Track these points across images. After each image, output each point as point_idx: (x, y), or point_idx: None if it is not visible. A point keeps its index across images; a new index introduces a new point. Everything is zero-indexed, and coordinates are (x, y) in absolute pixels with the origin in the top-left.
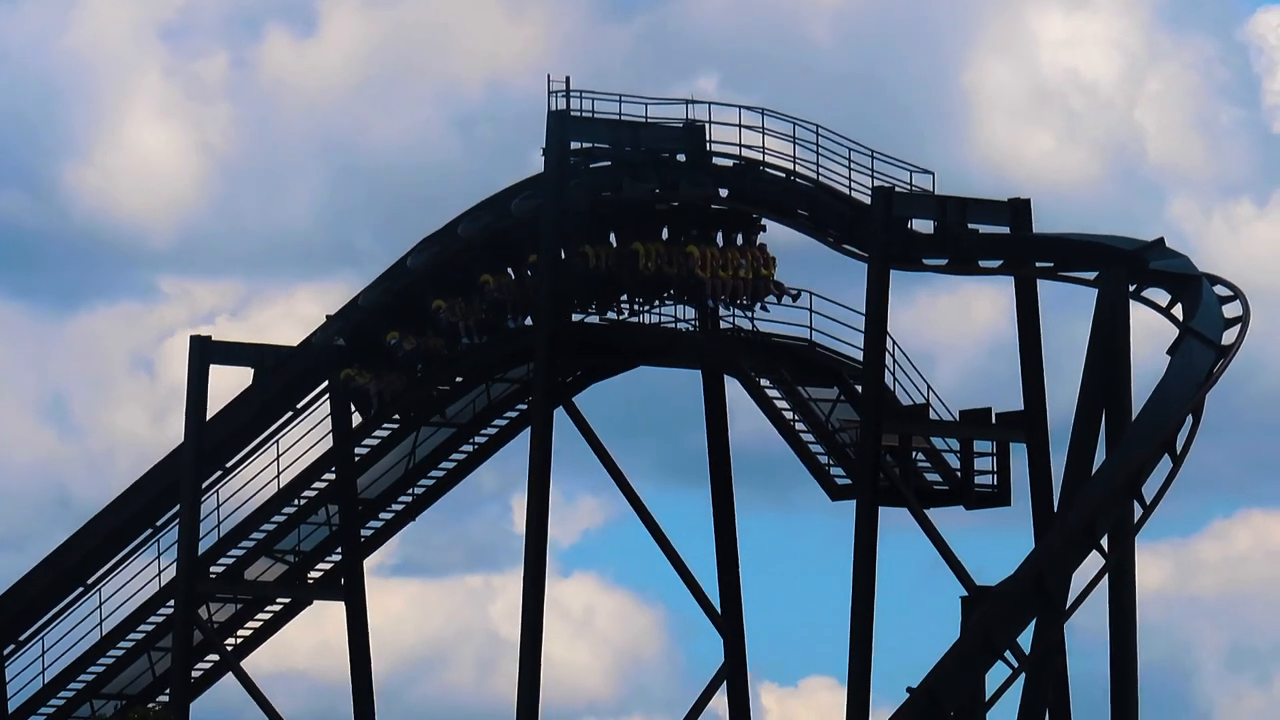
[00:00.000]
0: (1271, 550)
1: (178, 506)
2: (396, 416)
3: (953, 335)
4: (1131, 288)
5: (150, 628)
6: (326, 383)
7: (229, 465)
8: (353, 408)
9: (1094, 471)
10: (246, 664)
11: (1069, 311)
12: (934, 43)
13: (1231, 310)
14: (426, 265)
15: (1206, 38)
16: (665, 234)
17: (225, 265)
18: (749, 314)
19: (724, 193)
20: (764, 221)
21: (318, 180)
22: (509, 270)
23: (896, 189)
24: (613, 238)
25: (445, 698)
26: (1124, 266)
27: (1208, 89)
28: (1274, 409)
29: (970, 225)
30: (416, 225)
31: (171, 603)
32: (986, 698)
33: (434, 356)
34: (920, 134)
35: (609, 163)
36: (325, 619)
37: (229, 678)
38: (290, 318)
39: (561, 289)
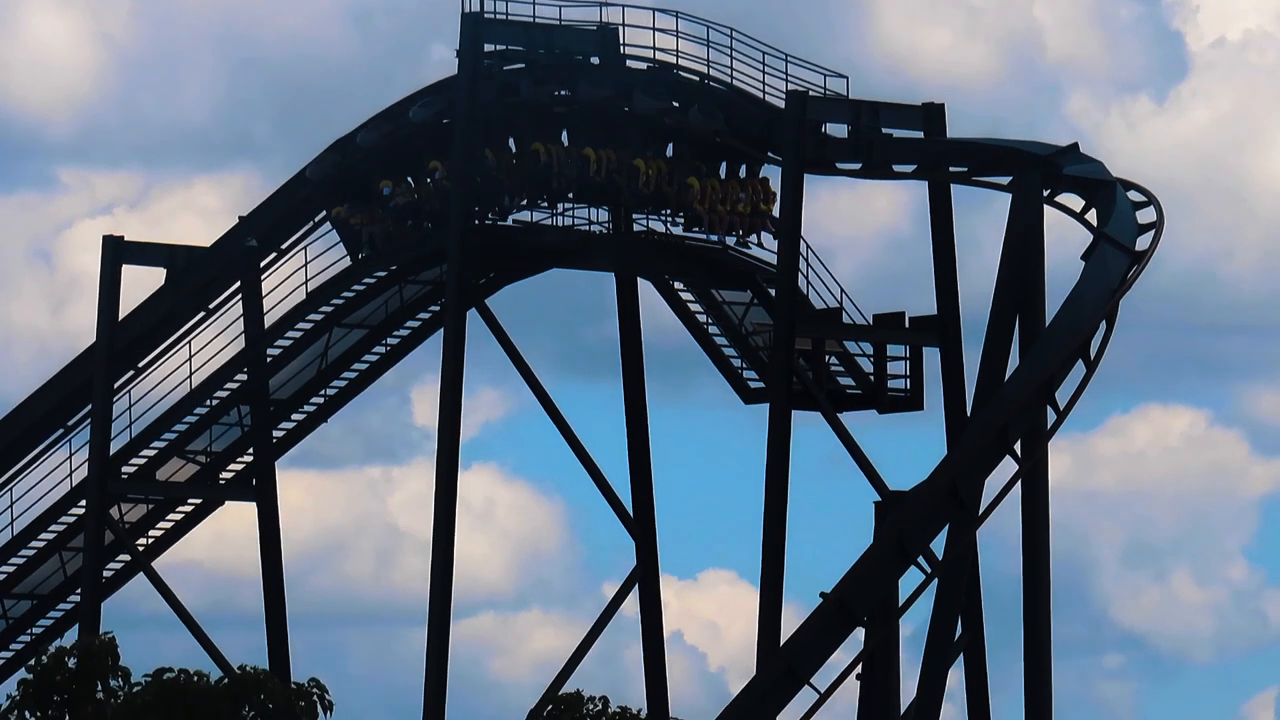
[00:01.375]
0: (1169, 446)
1: (89, 406)
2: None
3: (864, 236)
4: (1045, 192)
5: (61, 528)
6: (239, 283)
7: (141, 365)
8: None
9: (1008, 376)
10: (156, 562)
11: (982, 215)
12: None
13: (1145, 216)
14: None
15: None
16: (669, 153)
17: (124, 156)
18: (744, 248)
19: (637, 95)
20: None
21: (216, 72)
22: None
23: (810, 93)
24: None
25: (346, 589)
26: (1038, 171)
27: None
28: (1172, 305)
29: (884, 129)
30: (315, 118)
31: (83, 503)
32: (899, 603)
33: (426, 211)
34: (819, 31)
35: (522, 65)
36: (230, 514)
37: (140, 577)
38: (190, 209)
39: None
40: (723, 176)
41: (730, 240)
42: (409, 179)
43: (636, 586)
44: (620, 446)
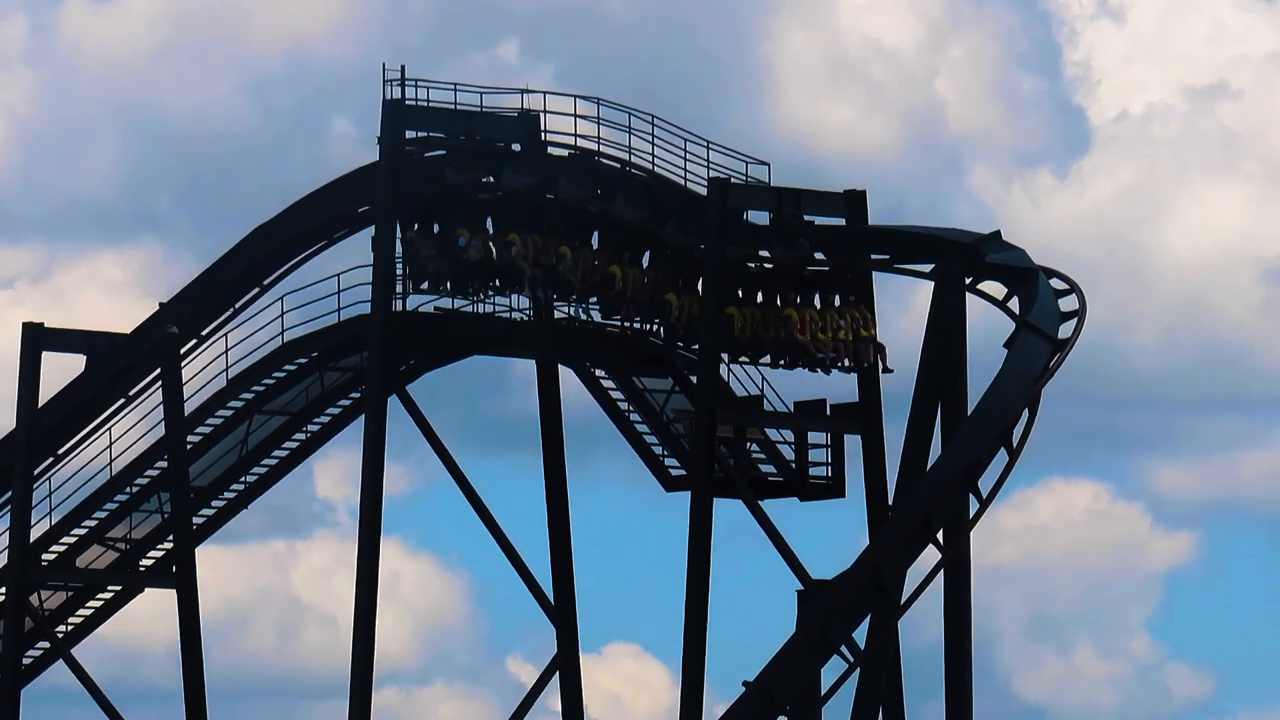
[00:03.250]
0: (1072, 520)
1: (9, 493)
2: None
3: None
4: (968, 280)
5: None
6: (159, 370)
7: (60, 452)
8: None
9: (930, 464)
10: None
11: (904, 302)
12: (733, 12)
13: (1068, 304)
14: None
15: (1007, 6)
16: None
17: (26, 230)
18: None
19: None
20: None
21: (118, 146)
22: None
23: (732, 180)
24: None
25: (247, 663)
26: (961, 259)
27: (1009, 58)
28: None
29: (806, 216)
30: (217, 192)
31: (2, 590)
32: (822, 692)
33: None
34: (722, 106)
35: (443, 151)
36: (150, 598)
37: (59, 664)
38: (93, 282)
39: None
40: (818, 305)
41: (837, 368)
42: (489, 241)
43: (558, 672)
44: (537, 529)
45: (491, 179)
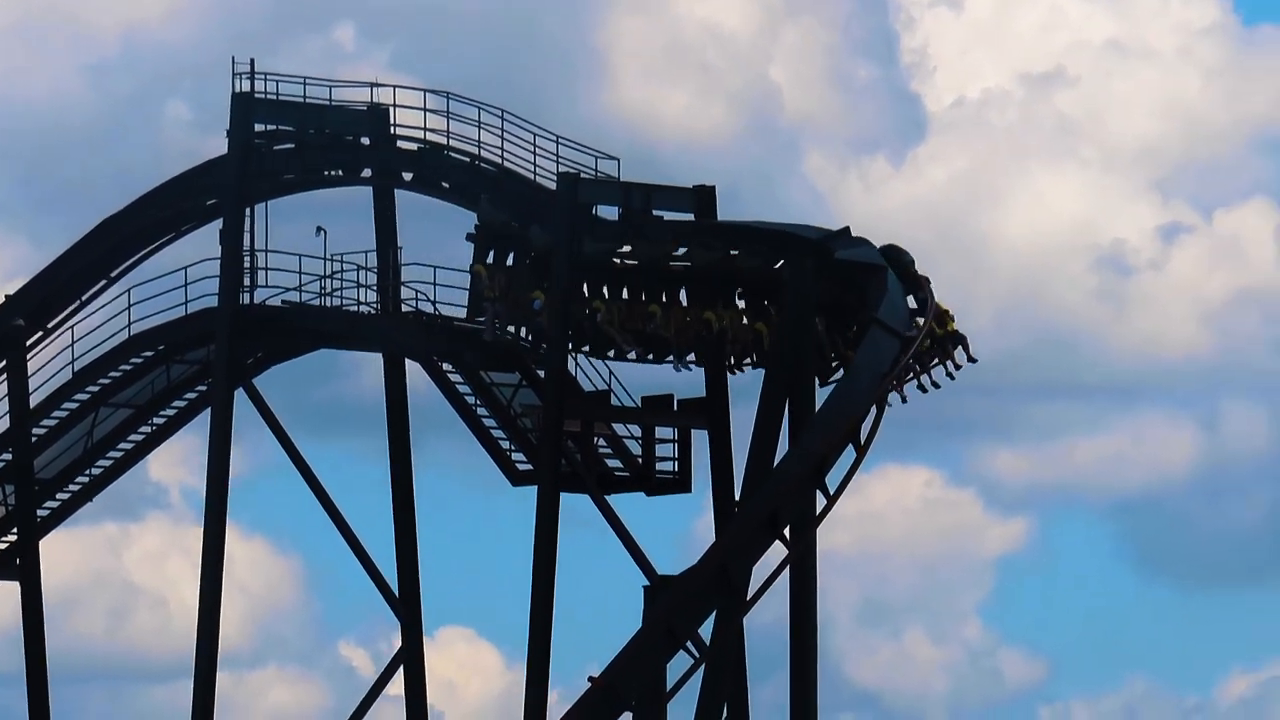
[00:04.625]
0: (906, 506)
1: None
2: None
3: None
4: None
5: None
6: (4, 362)
7: None
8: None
9: (777, 460)
10: None
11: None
12: None
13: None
14: None
15: None
16: None
17: None
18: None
19: (408, 176)
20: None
21: None
22: None
23: (582, 175)
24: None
25: (81, 646)
26: (810, 256)
27: (845, 45)
28: None
29: (655, 211)
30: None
31: None
32: (667, 688)
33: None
34: (557, 92)
35: (293, 145)
36: None
37: None
38: None
39: None
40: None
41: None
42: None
43: (402, 661)
44: (380, 519)
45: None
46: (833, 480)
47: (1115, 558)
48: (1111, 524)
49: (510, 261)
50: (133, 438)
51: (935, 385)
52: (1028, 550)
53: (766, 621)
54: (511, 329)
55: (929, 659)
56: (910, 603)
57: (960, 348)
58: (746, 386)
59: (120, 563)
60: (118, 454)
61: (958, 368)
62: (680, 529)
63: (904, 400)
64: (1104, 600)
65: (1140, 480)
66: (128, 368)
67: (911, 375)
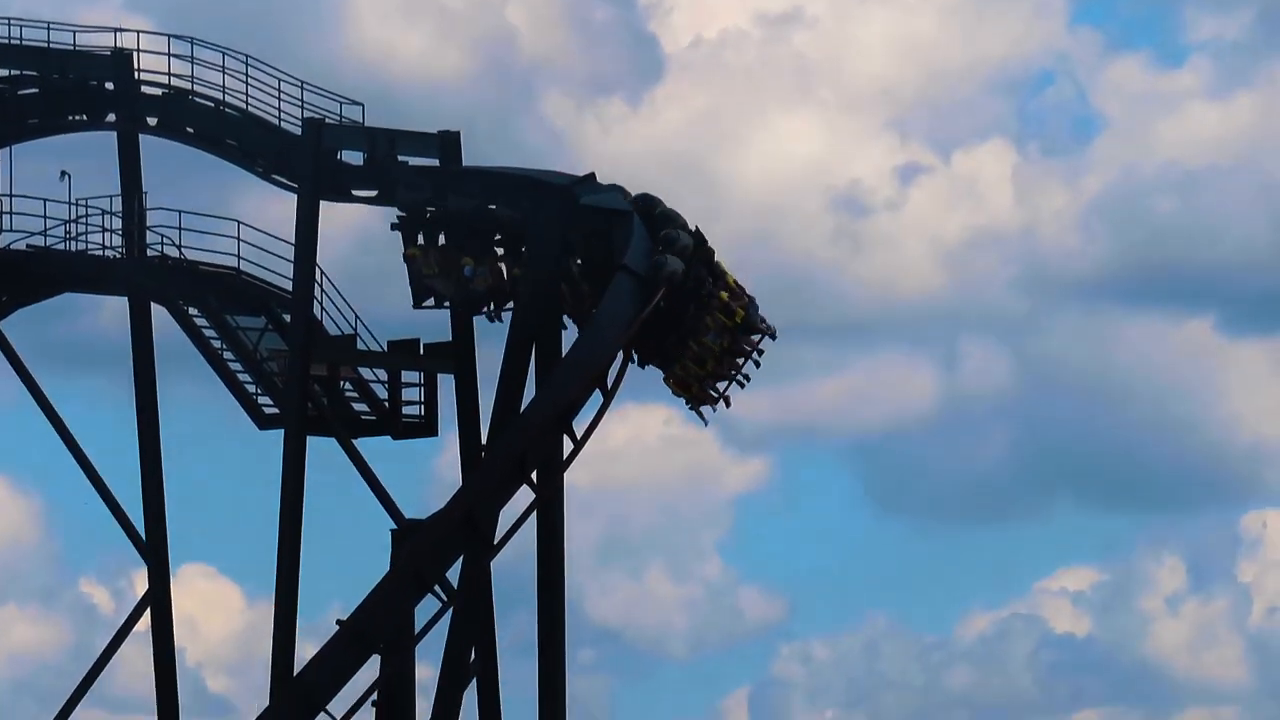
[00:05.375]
0: (646, 444)
1: None
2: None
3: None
4: (563, 222)
5: None
6: None
7: None
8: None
9: (525, 405)
10: None
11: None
12: None
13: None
14: None
15: None
16: None
17: None
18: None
19: (153, 122)
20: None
21: None
22: None
23: (327, 120)
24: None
25: None
26: (556, 201)
27: None
28: None
29: (400, 157)
30: None
31: None
32: (416, 631)
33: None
34: (294, 33)
35: (36, 90)
36: None
37: None
38: None
39: None
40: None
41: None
42: (498, 261)
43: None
44: (123, 460)
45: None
46: (579, 424)
47: (854, 496)
48: (850, 463)
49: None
50: None
51: (747, 379)
52: (767, 489)
53: (510, 559)
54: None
55: (669, 596)
56: (650, 541)
57: (756, 332)
58: (492, 330)
59: None
60: None
61: (761, 353)
62: (427, 473)
63: (728, 405)
64: (843, 539)
65: (878, 419)
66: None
67: (731, 378)
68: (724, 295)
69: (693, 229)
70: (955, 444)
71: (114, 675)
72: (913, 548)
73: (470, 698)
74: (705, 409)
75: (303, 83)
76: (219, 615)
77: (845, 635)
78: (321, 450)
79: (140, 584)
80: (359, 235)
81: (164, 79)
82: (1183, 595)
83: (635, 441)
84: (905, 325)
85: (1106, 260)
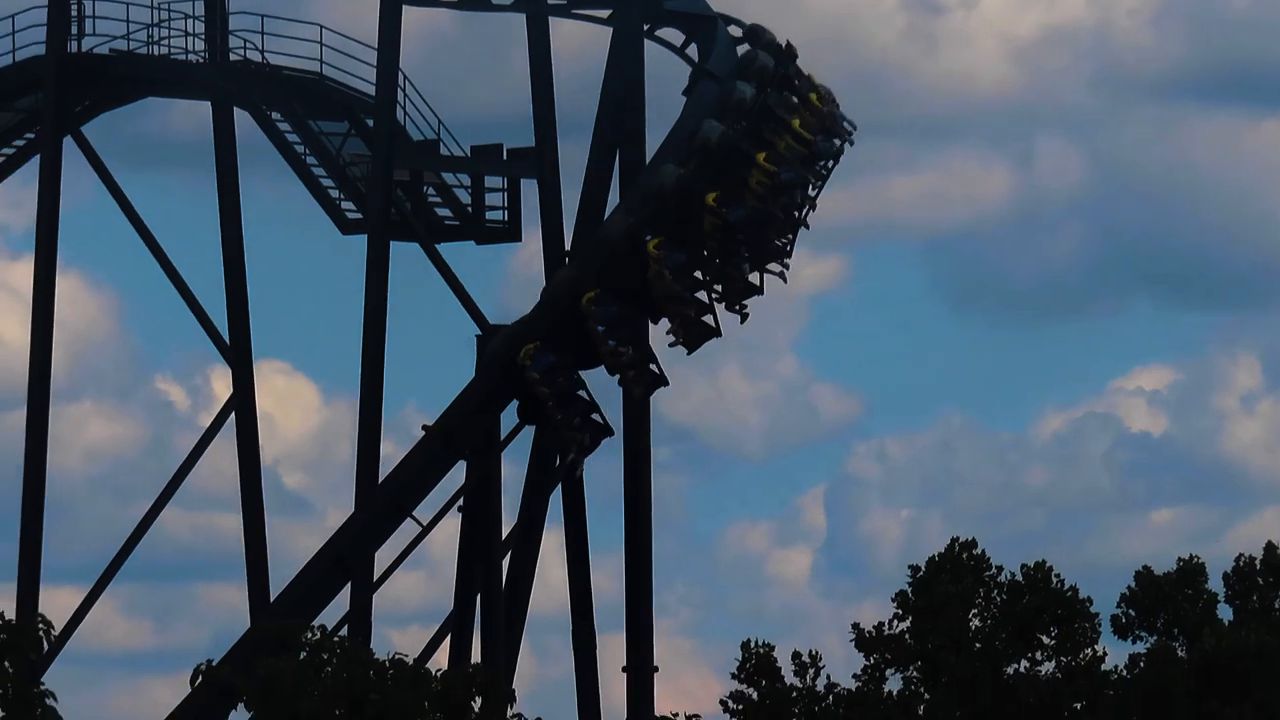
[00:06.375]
0: None
1: None
2: None
3: (464, 68)
4: (646, 27)
5: None
6: None
7: None
8: None
9: (608, 212)
10: None
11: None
12: None
13: (745, 49)
14: None
15: None
16: None
17: None
18: None
19: None
20: None
21: None
22: None
23: None
24: None
25: None
26: (638, 5)
27: None
28: None
29: None
30: None
31: None
32: (501, 436)
33: None
34: None
35: None
36: None
37: None
38: None
39: None
40: None
41: None
42: None
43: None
44: (207, 262)
45: None
46: None
47: (930, 295)
48: (926, 262)
49: None
50: None
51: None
52: (843, 288)
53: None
54: None
55: (745, 395)
56: (726, 340)
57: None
58: (577, 134)
59: None
60: None
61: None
62: (510, 278)
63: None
64: (919, 337)
65: (954, 218)
66: None
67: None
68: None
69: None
70: (1030, 242)
71: (194, 473)
72: (988, 346)
73: (555, 501)
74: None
75: None
76: (296, 413)
77: (920, 433)
78: (404, 255)
79: (218, 383)
80: (442, 40)
81: None
82: (1258, 394)
83: None
84: (980, 124)
85: (1181, 59)
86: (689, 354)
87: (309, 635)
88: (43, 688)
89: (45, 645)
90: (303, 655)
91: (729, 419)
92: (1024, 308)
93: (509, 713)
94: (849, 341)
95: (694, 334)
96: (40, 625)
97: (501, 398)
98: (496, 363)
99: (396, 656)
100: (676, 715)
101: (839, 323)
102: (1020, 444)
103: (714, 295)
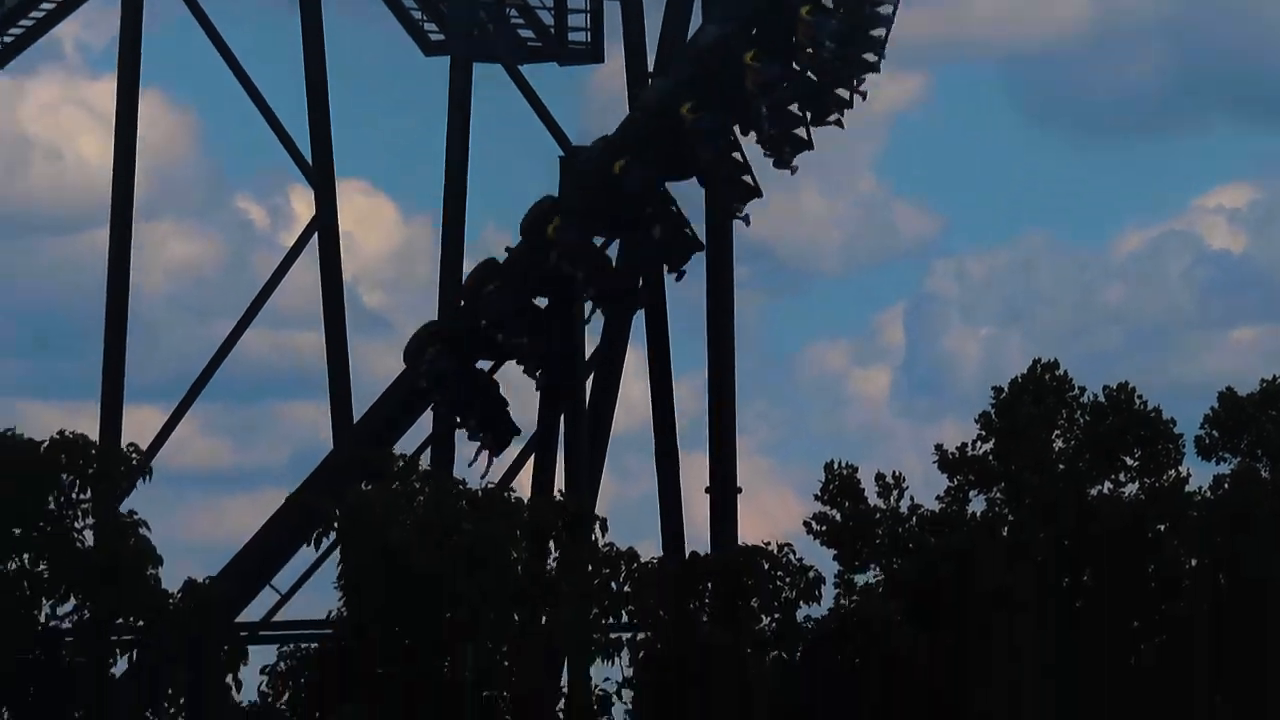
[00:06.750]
0: None
1: None
2: None
3: None
4: None
5: None
6: None
7: None
8: None
9: (690, 32)
10: None
11: None
12: None
13: None
14: None
15: None
16: None
17: None
18: None
19: None
20: None
21: None
22: None
23: None
24: None
25: None
26: None
27: None
28: None
29: None
30: None
31: None
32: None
33: None
34: None
35: None
36: None
37: None
38: None
39: None
40: None
41: None
42: None
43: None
44: (287, 78)
45: None
46: None
47: (1010, 112)
48: (1007, 79)
49: None
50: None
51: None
52: (922, 106)
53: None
54: None
55: (825, 213)
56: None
57: None
58: None
59: (13, 116)
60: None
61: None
62: (592, 99)
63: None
64: (999, 155)
65: (1035, 35)
66: None
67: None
68: None
69: None
70: (1112, 59)
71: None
72: (1069, 164)
73: (639, 321)
74: None
75: None
76: (376, 232)
77: (1000, 251)
78: (487, 76)
79: (298, 202)
80: None
81: None
82: None
83: None
84: None
85: None
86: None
87: (395, 464)
88: (135, 516)
89: (142, 476)
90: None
91: (808, 237)
92: (1104, 126)
93: (600, 542)
94: (928, 159)
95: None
96: (133, 454)
97: (595, 214)
98: (588, 177)
99: (488, 486)
100: (769, 543)
101: (918, 141)
102: (1100, 261)
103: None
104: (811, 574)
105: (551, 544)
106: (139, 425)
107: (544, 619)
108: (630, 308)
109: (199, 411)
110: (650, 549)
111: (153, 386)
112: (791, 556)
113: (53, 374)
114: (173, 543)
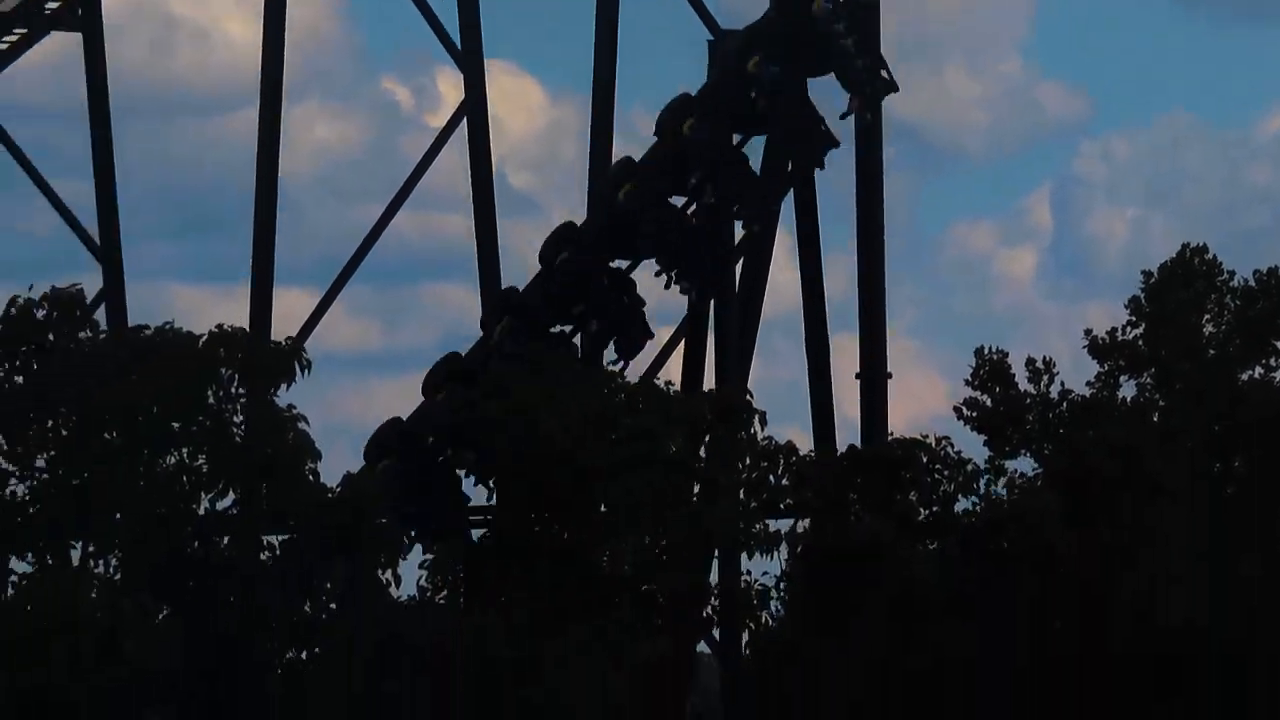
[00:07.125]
0: None
1: None
2: None
3: None
4: None
5: None
6: None
7: None
8: None
9: None
10: None
11: None
12: None
13: None
14: None
15: None
16: None
17: None
18: None
19: None
20: None
21: None
22: None
23: None
24: None
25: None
26: None
27: None
28: None
29: None
30: None
31: None
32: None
33: None
34: None
35: None
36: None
37: None
38: None
39: None
40: None
41: None
42: None
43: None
44: None
45: None
46: None
47: None
48: None
49: None
50: None
51: None
52: None
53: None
54: None
55: (970, 94)
56: (951, 39)
57: None
58: None
59: None
60: None
61: None
62: None
63: None
64: (1144, 35)
65: None
66: None
67: None
68: None
69: None
70: None
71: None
72: (1214, 45)
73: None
74: None
75: None
76: (523, 113)
77: (1146, 132)
78: None
79: (444, 84)
80: None
81: None
82: None
83: None
84: None
85: None
86: None
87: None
88: (294, 411)
89: (301, 370)
90: None
91: (954, 118)
92: (1252, 6)
93: (759, 436)
94: (1074, 40)
95: None
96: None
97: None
98: (730, 68)
99: (646, 379)
100: (926, 437)
101: (1064, 21)
102: (1246, 142)
103: None
104: (970, 468)
105: (706, 437)
106: (287, 309)
107: (701, 513)
108: (771, 212)
109: (347, 294)
110: (796, 434)
111: (301, 270)
112: (949, 450)
113: (202, 256)
114: (323, 427)
